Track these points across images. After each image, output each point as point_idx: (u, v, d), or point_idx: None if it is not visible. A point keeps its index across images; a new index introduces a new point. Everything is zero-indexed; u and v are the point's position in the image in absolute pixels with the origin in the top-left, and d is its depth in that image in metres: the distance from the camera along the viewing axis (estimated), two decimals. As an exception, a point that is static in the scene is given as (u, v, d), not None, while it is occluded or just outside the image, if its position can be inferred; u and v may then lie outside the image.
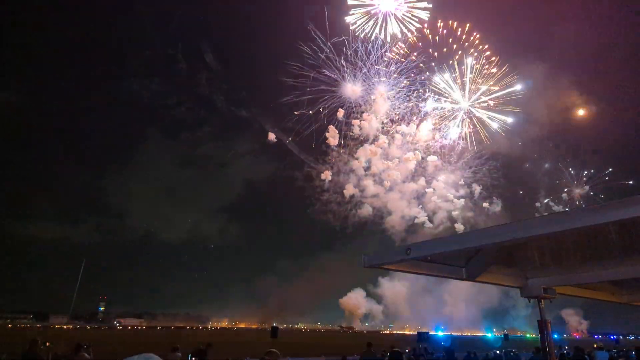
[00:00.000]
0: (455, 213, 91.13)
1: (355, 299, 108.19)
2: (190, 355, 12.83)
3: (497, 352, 28.85)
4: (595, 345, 17.41)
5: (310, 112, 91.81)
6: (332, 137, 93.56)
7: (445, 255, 3.41)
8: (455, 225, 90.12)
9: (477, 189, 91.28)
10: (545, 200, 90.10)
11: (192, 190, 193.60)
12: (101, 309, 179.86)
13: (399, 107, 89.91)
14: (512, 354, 29.51)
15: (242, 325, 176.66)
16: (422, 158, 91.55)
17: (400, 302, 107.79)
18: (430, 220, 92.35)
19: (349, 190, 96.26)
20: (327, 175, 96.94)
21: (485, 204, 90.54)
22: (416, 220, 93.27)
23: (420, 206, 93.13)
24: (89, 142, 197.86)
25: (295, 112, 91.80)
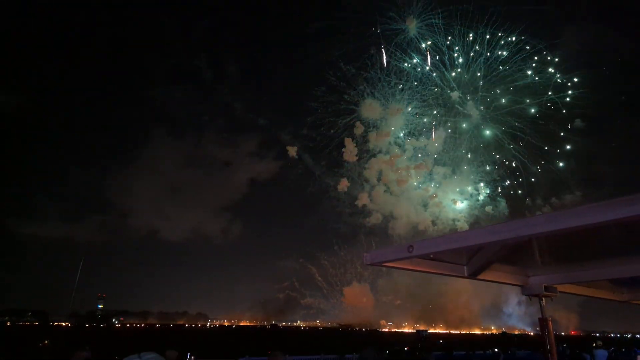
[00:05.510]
0: (459, 215, 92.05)
1: (360, 291, 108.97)
2: (189, 354, 12.84)
3: (496, 349, 28.98)
4: (594, 344, 17.42)
5: (331, 130, 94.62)
6: (349, 150, 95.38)
7: (447, 253, 3.39)
8: (458, 224, 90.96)
9: (482, 191, 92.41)
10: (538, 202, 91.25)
11: (196, 189, 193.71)
12: (100, 306, 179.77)
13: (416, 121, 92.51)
14: (509, 352, 29.65)
15: (243, 323, 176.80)
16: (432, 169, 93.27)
17: (400, 298, 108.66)
18: (434, 223, 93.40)
19: (362, 200, 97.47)
20: (344, 184, 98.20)
21: (488, 208, 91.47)
22: (420, 226, 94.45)
23: (427, 211, 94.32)
24: (94, 141, 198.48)
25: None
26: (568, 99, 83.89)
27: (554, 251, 3.50)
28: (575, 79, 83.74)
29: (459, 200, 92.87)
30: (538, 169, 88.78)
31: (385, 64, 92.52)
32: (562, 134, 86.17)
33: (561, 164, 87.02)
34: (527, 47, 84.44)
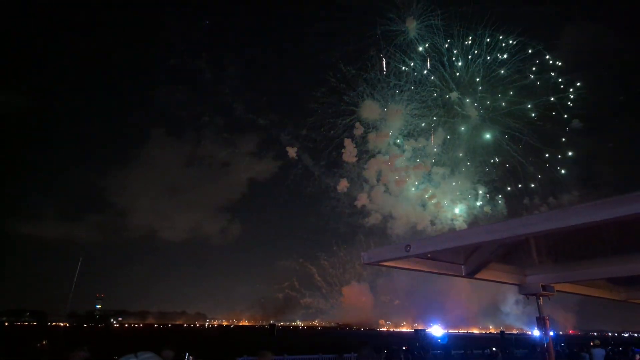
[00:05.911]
0: (458, 215, 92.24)
1: (360, 290, 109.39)
2: (187, 354, 12.79)
3: (494, 349, 29.03)
4: (592, 343, 17.50)
5: (331, 131, 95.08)
6: (349, 151, 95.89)
7: (445, 252, 3.38)
8: (456, 224, 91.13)
9: (480, 192, 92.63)
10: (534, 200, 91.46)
11: (195, 189, 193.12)
12: (98, 307, 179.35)
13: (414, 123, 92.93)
14: (507, 351, 29.74)
15: (242, 323, 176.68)
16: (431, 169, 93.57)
17: (399, 297, 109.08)
18: (433, 224, 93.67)
19: (361, 200, 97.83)
20: (343, 184, 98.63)
21: (486, 209, 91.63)
22: (419, 226, 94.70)
23: (425, 211, 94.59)
24: (93, 141, 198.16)
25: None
26: (567, 100, 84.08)
27: (552, 250, 3.50)
28: (575, 80, 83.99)
29: (457, 201, 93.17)
30: (538, 175, 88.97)
31: (384, 67, 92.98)
32: (563, 139, 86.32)
33: (563, 171, 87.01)
34: (528, 50, 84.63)
